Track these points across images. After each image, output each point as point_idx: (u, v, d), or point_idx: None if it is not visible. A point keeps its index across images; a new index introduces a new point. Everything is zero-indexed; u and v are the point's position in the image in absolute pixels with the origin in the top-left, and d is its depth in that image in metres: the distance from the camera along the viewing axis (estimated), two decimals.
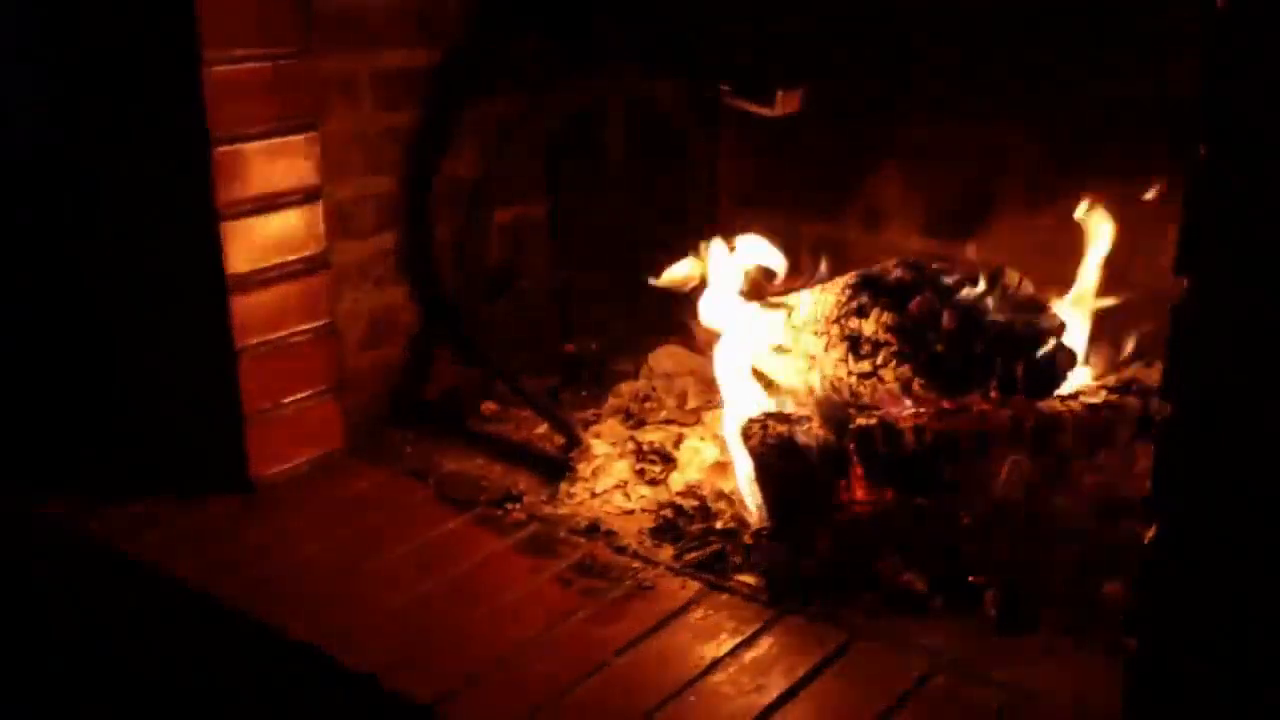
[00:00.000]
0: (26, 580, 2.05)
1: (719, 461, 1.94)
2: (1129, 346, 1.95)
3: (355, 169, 2.13)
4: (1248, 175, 0.99)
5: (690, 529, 1.81)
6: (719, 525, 1.80)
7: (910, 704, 1.44)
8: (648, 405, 2.21)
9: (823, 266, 2.02)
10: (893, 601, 1.61)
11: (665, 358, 2.32)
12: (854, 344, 1.88)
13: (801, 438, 1.75)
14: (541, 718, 1.44)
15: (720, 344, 1.99)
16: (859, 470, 1.73)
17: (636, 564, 1.76)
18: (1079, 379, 1.89)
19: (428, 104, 2.19)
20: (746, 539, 1.76)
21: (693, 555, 1.75)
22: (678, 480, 1.94)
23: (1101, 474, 1.72)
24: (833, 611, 1.61)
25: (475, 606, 1.67)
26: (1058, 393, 1.82)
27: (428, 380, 2.30)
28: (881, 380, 1.85)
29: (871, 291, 1.91)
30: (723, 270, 2.04)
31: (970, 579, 1.60)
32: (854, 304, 1.91)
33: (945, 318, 1.81)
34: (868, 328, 1.88)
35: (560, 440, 2.10)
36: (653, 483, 1.96)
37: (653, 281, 2.10)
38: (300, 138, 1.96)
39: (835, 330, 1.91)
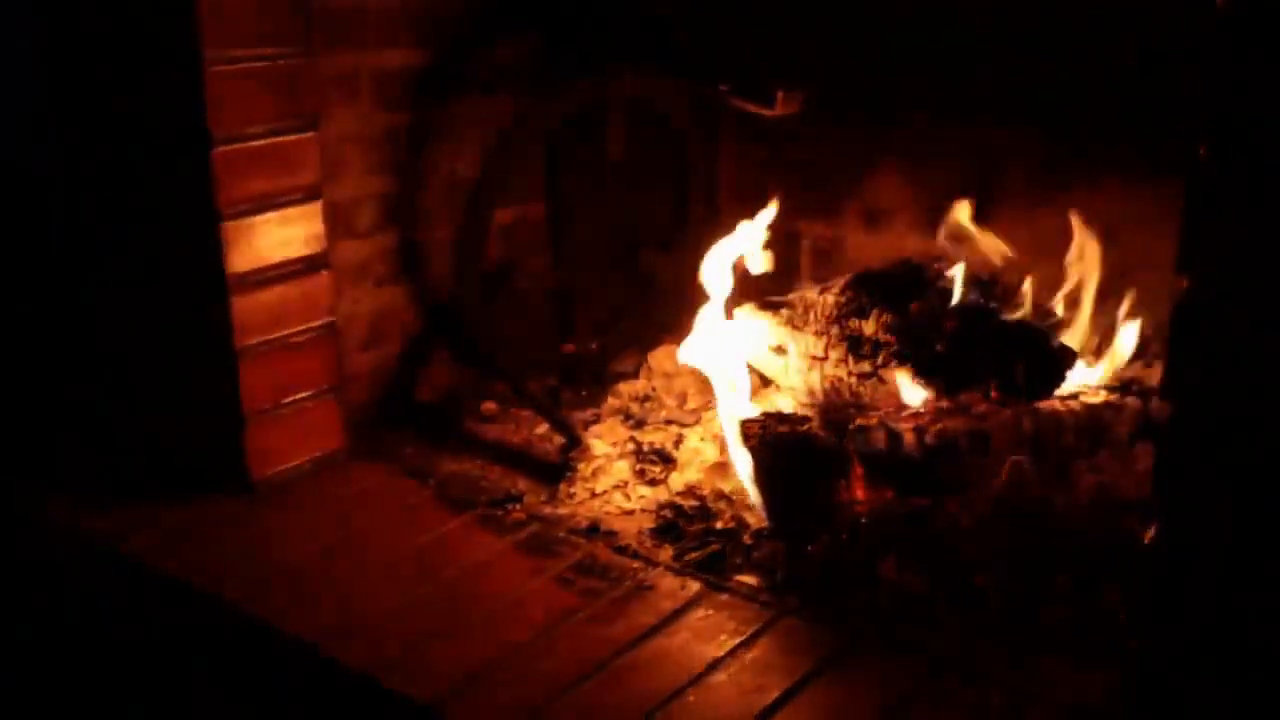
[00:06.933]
0: (26, 580, 2.05)
1: (719, 461, 1.94)
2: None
3: (355, 169, 2.13)
4: (1248, 175, 0.99)
5: (690, 529, 1.81)
6: (719, 525, 1.80)
7: (910, 704, 1.44)
8: (648, 405, 2.21)
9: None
10: (893, 601, 1.61)
11: (665, 358, 2.32)
12: (854, 344, 1.89)
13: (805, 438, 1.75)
14: (541, 718, 1.44)
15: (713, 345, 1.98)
16: (859, 470, 1.74)
17: (636, 564, 1.76)
18: (1079, 379, 1.89)
19: (412, 103, 2.19)
20: (746, 539, 1.76)
21: (693, 555, 1.75)
22: (678, 480, 1.94)
23: (1101, 474, 1.72)
24: (833, 611, 1.61)
25: (475, 606, 1.67)
26: (1058, 393, 1.82)
27: (427, 380, 2.30)
28: (881, 380, 1.85)
29: (871, 291, 1.91)
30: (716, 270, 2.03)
31: (970, 579, 1.60)
32: (854, 304, 1.91)
33: (945, 318, 1.81)
34: (868, 328, 1.88)
35: (560, 440, 2.09)
36: (653, 483, 1.96)
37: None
38: (300, 138, 1.96)
39: (835, 330, 1.91)
